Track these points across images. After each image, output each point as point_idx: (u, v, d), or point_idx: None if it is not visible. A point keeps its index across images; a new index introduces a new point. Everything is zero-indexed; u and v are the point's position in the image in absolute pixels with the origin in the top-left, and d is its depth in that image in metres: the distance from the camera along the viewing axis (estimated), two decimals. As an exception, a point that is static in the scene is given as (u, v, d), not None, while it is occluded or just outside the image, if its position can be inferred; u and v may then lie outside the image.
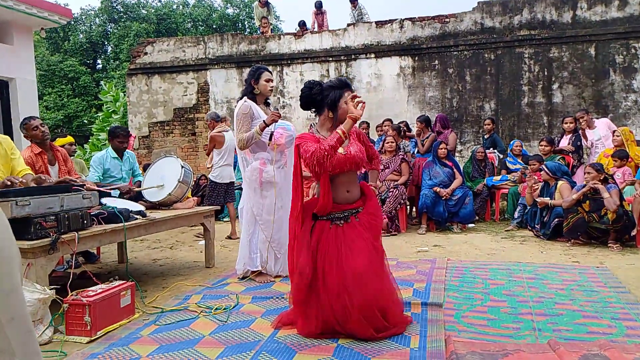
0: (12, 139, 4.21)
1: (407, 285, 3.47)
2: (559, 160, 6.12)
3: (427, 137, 6.79)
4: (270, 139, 3.63)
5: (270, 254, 3.75)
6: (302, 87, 2.80)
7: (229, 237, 5.85)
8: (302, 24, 10.54)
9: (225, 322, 2.86)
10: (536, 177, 5.68)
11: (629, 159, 5.66)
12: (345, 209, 2.65)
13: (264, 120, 3.62)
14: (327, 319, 2.55)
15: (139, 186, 4.45)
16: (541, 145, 6.39)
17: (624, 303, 3.02)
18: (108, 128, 5.01)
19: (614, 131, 5.97)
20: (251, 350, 2.42)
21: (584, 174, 4.97)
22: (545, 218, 5.26)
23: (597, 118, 6.96)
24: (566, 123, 6.57)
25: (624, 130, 5.91)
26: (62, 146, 4.92)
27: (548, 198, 5.26)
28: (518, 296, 3.21)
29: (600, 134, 6.27)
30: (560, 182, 5.33)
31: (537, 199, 5.35)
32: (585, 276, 3.68)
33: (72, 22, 23.92)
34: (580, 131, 6.44)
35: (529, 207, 5.69)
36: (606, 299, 3.12)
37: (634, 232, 4.78)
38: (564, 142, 6.55)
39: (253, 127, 3.69)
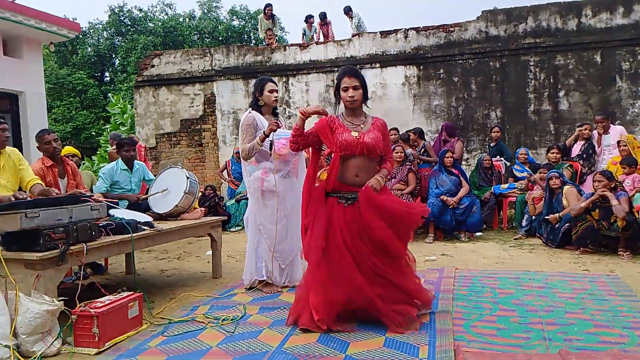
0: (21, 151, 4.27)
1: (415, 294, 3.44)
2: (567, 168, 6.09)
3: (422, 147, 6.78)
4: (270, 149, 3.65)
5: (274, 264, 3.74)
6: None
7: None
8: (309, 17, 10.61)
9: (233, 332, 2.85)
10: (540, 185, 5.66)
11: (638, 166, 5.62)
12: (352, 190, 2.89)
13: (263, 132, 3.64)
14: (350, 291, 2.76)
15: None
16: (552, 153, 6.34)
17: (635, 312, 2.99)
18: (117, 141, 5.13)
19: (619, 141, 5.92)
20: (259, 361, 2.41)
21: (594, 182, 4.93)
22: (556, 225, 5.21)
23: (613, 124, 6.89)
24: (585, 129, 6.48)
25: (628, 138, 5.88)
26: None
27: (557, 215, 5.21)
28: (528, 305, 3.18)
29: (611, 141, 6.22)
30: (566, 187, 5.29)
31: (547, 217, 5.30)
32: (595, 285, 3.63)
33: (81, 36, 24.21)
34: (596, 137, 6.38)
35: (535, 216, 5.66)
36: (617, 307, 3.08)
37: None
38: (576, 149, 6.50)
39: (257, 138, 3.71)
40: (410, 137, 6.95)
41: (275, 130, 3.60)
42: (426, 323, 2.87)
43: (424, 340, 2.61)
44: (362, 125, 3.00)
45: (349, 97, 2.95)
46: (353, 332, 2.76)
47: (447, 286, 3.67)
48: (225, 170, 8.66)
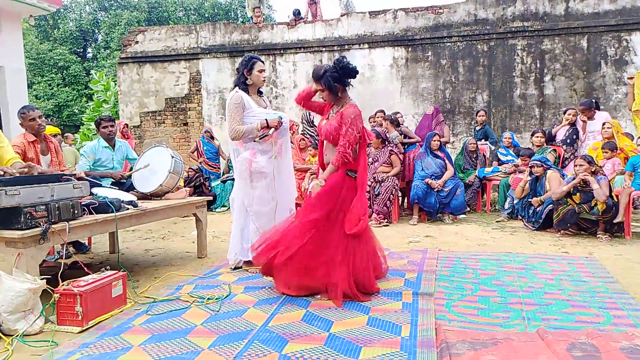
0: (0, 126, 4.16)
1: (398, 275, 3.49)
2: (550, 152, 6.16)
3: (400, 133, 6.76)
4: (262, 137, 3.65)
5: (262, 245, 3.75)
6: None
7: None
8: (296, 13, 10.46)
9: (218, 311, 2.86)
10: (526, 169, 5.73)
11: (619, 151, 5.71)
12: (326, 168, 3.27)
13: (266, 120, 3.63)
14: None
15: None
16: (536, 137, 6.41)
17: (611, 292, 3.07)
18: (95, 120, 4.99)
19: (604, 123, 6.00)
20: (243, 339, 2.43)
21: (575, 166, 5.01)
22: (538, 208, 5.30)
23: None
24: (569, 115, 6.53)
25: (613, 122, 5.97)
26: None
27: (539, 198, 5.29)
28: (508, 286, 3.25)
29: (596, 127, 6.30)
30: (549, 172, 5.37)
31: (531, 200, 5.38)
32: (574, 266, 3.72)
33: (62, 10, 23.53)
34: (581, 123, 6.46)
35: (519, 199, 5.73)
36: (594, 288, 3.16)
37: (619, 219, 4.80)
38: (561, 134, 6.57)
39: (245, 117, 3.68)
40: (384, 124, 6.86)
41: (278, 129, 3.68)
42: (409, 303, 2.91)
43: (407, 319, 2.65)
44: (335, 113, 3.22)
45: (321, 98, 3.33)
46: (338, 309, 2.81)
47: (430, 267, 3.72)
48: (197, 151, 8.43)
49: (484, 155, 7.15)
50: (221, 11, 25.60)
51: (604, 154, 5.69)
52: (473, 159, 6.93)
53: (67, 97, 20.77)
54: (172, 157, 4.18)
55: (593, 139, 6.34)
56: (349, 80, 3.20)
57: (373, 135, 6.27)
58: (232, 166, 6.68)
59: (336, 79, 3.12)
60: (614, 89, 8.03)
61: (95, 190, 3.69)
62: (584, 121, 6.38)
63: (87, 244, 4.92)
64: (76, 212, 3.02)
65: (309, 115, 7.45)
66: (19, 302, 2.54)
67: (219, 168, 8.20)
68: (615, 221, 4.83)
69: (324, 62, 9.20)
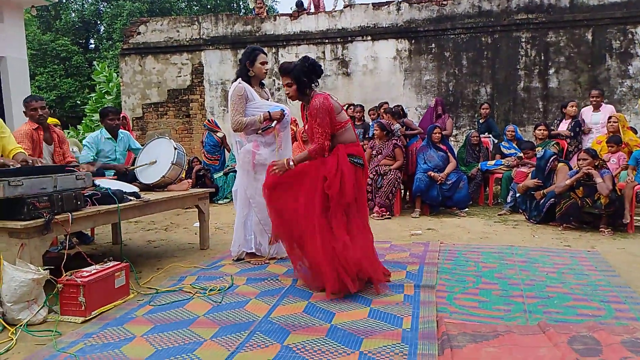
0: (3, 117, 4.17)
1: (400, 267, 3.50)
2: (553, 145, 6.13)
3: (402, 125, 6.74)
4: (264, 129, 3.65)
5: (263, 237, 3.76)
6: None
7: None
8: (299, 4, 10.39)
9: (220, 303, 2.88)
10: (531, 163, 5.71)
11: (623, 145, 5.69)
12: None
13: (269, 112, 3.63)
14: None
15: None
16: (539, 130, 6.39)
17: (613, 286, 3.07)
18: (100, 110, 4.99)
19: (609, 117, 5.97)
20: (245, 330, 2.44)
21: (578, 160, 4.99)
22: (541, 201, 5.28)
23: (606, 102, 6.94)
24: (571, 107, 6.53)
25: (620, 116, 5.94)
26: None
27: (542, 191, 5.28)
28: (510, 279, 3.25)
29: (601, 120, 6.27)
30: (560, 165, 5.34)
31: (533, 192, 5.36)
32: (576, 260, 3.72)
33: (64, 0, 23.44)
34: (583, 113, 6.44)
35: (520, 193, 5.72)
36: (596, 282, 3.17)
37: (626, 220, 4.80)
38: (563, 127, 6.54)
39: (247, 109, 3.67)
40: (384, 117, 6.81)
41: (280, 121, 3.67)
42: (410, 295, 2.92)
43: (408, 311, 2.66)
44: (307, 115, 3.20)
45: (285, 94, 3.23)
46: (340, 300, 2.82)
47: (432, 259, 3.72)
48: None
49: (487, 149, 7.13)
50: (224, 2, 25.40)
51: (609, 148, 5.67)
52: (476, 152, 6.91)
53: (70, 88, 20.71)
54: (175, 148, 4.19)
55: (597, 132, 6.32)
56: (316, 78, 3.14)
57: (377, 127, 6.25)
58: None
59: (305, 73, 3.08)
60: (618, 82, 7.97)
61: (98, 181, 3.70)
62: (593, 104, 6.36)
63: (90, 235, 4.94)
64: (79, 203, 3.03)
65: None
66: (22, 292, 2.56)
67: (218, 160, 8.17)
68: (624, 222, 4.81)
69: (327, 54, 9.16)
